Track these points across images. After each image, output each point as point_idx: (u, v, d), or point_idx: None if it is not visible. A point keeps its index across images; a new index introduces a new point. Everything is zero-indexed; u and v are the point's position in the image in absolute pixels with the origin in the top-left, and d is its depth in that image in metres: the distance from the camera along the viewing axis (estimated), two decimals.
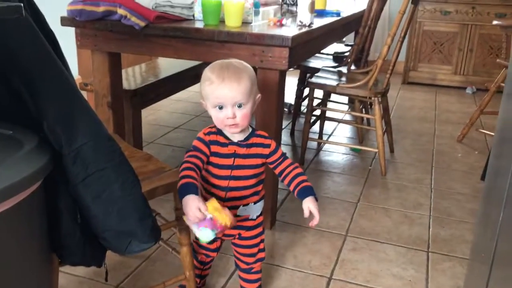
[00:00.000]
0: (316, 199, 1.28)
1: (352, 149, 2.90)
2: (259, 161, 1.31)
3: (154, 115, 3.35)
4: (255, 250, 1.42)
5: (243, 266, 1.44)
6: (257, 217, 1.39)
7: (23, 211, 0.79)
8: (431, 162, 2.76)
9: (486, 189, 1.37)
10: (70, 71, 0.95)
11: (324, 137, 3.07)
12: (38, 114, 0.87)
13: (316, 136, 3.00)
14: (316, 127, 2.99)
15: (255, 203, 1.35)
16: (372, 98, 2.53)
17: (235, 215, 1.31)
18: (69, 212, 0.95)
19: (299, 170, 1.32)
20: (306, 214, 1.27)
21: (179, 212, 1.38)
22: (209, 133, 1.28)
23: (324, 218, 2.08)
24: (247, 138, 1.29)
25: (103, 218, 0.98)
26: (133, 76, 2.68)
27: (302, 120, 3.05)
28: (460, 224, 2.09)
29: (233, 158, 1.28)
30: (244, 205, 1.33)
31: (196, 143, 1.27)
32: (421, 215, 2.16)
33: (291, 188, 1.31)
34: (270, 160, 1.32)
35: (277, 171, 1.33)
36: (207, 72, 1.22)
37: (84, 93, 2.59)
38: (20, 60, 0.84)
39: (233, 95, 1.19)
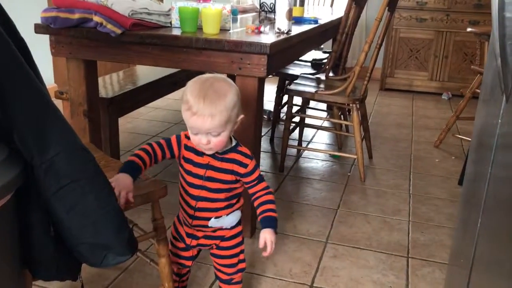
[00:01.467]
0: (276, 232, 1.26)
1: (331, 156, 2.90)
2: (231, 177, 1.27)
3: (132, 123, 3.31)
4: (234, 260, 1.39)
5: (223, 277, 1.42)
6: (233, 227, 1.36)
7: None
8: (409, 168, 2.79)
9: (464, 195, 1.38)
10: (42, 80, 0.92)
11: (304, 144, 3.08)
12: (8, 125, 0.84)
13: (296, 143, 3.00)
14: (295, 134, 2.99)
15: (227, 214, 1.32)
16: (350, 105, 2.55)
17: (207, 226, 1.31)
18: (41, 225, 0.92)
19: (270, 197, 1.29)
20: (261, 244, 1.24)
21: (157, 222, 1.35)
22: (189, 138, 1.26)
23: (304, 226, 2.08)
24: (225, 152, 1.26)
25: (77, 231, 0.95)
26: (110, 83, 2.65)
27: (281, 127, 3.04)
28: (439, 229, 2.11)
29: (205, 170, 1.26)
30: (216, 217, 1.31)
31: (172, 137, 1.29)
32: (400, 220, 2.17)
33: (257, 212, 1.29)
34: (244, 180, 1.29)
35: (250, 191, 1.31)
36: (187, 92, 1.17)
37: (60, 102, 2.54)
38: None
39: (207, 128, 1.16)
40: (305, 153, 2.96)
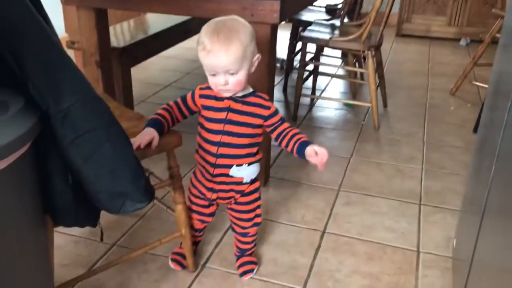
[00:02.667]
0: None
1: (345, 104, 2.88)
2: (255, 120, 1.27)
3: (144, 73, 3.30)
4: (251, 215, 1.42)
5: (238, 230, 1.45)
6: (252, 182, 1.37)
7: (14, 174, 0.79)
8: (424, 116, 2.76)
9: (478, 141, 1.37)
10: (54, 30, 0.91)
11: (317, 93, 3.05)
12: (23, 75, 0.84)
13: (309, 92, 2.98)
14: (309, 83, 2.96)
15: (249, 164, 1.32)
16: (365, 52, 2.50)
17: (227, 175, 1.31)
18: (60, 173, 0.94)
19: (296, 130, 1.30)
20: (313, 158, 1.23)
21: (173, 171, 1.37)
22: (206, 88, 1.28)
23: (317, 174, 2.10)
24: (244, 96, 1.27)
25: (95, 180, 0.98)
26: (121, 33, 2.62)
27: (294, 75, 3.01)
28: (452, 177, 2.11)
29: (226, 112, 1.26)
30: (237, 165, 1.31)
31: (187, 94, 1.32)
32: (414, 168, 2.18)
33: (289, 148, 1.29)
34: (268, 123, 1.29)
35: (274, 135, 1.31)
36: (201, 34, 1.18)
37: (72, 52, 2.53)
38: (0, 21, 0.80)
39: (223, 65, 1.16)
40: (319, 102, 2.94)
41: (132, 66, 2.43)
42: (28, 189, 0.85)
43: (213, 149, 1.29)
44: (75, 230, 1.62)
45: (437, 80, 3.37)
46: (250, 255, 1.52)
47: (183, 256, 1.50)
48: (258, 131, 1.31)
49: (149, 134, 1.22)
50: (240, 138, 1.28)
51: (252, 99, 1.27)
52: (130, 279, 1.46)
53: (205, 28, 1.18)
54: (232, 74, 1.18)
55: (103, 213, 1.11)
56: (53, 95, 0.87)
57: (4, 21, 0.81)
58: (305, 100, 2.92)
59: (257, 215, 1.43)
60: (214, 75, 1.19)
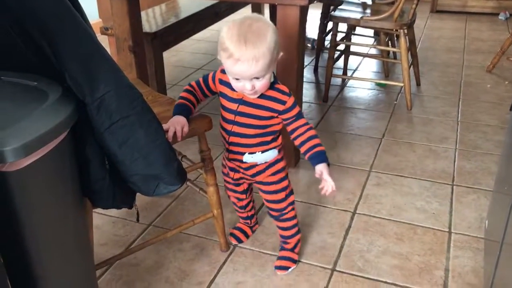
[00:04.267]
0: (328, 164, 1.25)
1: (377, 84, 2.85)
2: (266, 113, 1.25)
3: (176, 57, 3.35)
4: (281, 195, 1.40)
5: (274, 213, 1.43)
6: (273, 164, 1.35)
7: (54, 159, 0.83)
8: (459, 94, 2.70)
9: (511, 120, 1.35)
10: (87, 20, 0.95)
11: (349, 73, 3.02)
12: (60, 66, 0.88)
13: (340, 72, 2.95)
14: (340, 63, 2.94)
15: (263, 152, 1.31)
16: (398, 30, 2.45)
17: (242, 161, 1.33)
18: (97, 159, 0.99)
19: (312, 132, 1.27)
20: (320, 178, 1.25)
21: (204, 154, 1.41)
22: (225, 72, 1.25)
23: (348, 155, 2.10)
24: None
25: (130, 164, 1.02)
26: (153, 17, 2.66)
27: (325, 55, 2.99)
28: (486, 156, 2.07)
29: (237, 104, 1.25)
30: (250, 153, 1.31)
31: (209, 74, 1.32)
32: (447, 148, 2.15)
33: (302, 150, 1.27)
34: (282, 117, 1.26)
35: (289, 128, 1.28)
36: (225, 40, 1.12)
37: (105, 38, 2.59)
38: (37, 12, 0.84)
39: (251, 74, 1.13)
40: (350, 82, 2.91)
41: (164, 50, 2.47)
42: (68, 174, 0.90)
43: (226, 136, 1.31)
44: (113, 212, 1.69)
45: (473, 57, 3.27)
46: (292, 249, 1.48)
47: (241, 230, 1.58)
48: (271, 121, 1.28)
49: (179, 123, 1.24)
50: (251, 129, 1.27)
51: (268, 92, 1.24)
52: (165, 258, 1.52)
53: (228, 32, 1.12)
54: (258, 78, 1.15)
55: (138, 195, 1.16)
56: (88, 84, 0.91)
57: (41, 13, 0.85)
58: (336, 81, 2.90)
59: (288, 195, 1.41)
60: (238, 79, 1.17)
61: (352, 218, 1.70)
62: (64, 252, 0.91)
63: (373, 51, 3.28)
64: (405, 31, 2.43)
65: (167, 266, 1.49)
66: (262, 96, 1.23)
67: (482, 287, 1.38)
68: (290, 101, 1.25)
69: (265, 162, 1.34)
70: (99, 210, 1.47)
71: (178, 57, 3.35)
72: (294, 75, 1.81)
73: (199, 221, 1.50)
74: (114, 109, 0.96)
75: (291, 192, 1.43)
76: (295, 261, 1.47)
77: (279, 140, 1.34)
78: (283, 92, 1.25)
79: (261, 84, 1.17)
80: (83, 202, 1.02)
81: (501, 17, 4.16)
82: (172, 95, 2.59)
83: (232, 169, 1.39)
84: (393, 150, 2.14)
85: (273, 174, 1.37)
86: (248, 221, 1.58)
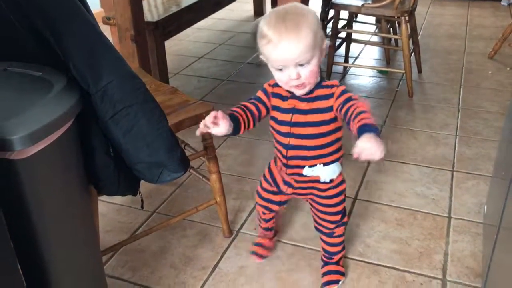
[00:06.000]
0: (377, 134, 0.98)
1: (379, 71, 2.86)
2: (324, 116, 1.13)
3: (177, 46, 3.35)
4: (338, 208, 1.29)
5: (324, 230, 1.33)
6: (337, 184, 1.25)
7: (60, 148, 0.86)
8: (460, 81, 2.71)
9: (510, 106, 1.36)
10: (90, 11, 0.96)
11: (350, 60, 3.03)
12: (64, 56, 0.90)
13: (342, 60, 2.96)
14: (342, 50, 2.94)
15: (325, 164, 1.19)
16: (399, 17, 2.45)
17: (301, 175, 1.21)
18: (101, 147, 1.01)
19: (361, 107, 1.06)
20: (356, 151, 0.97)
21: (207, 142, 1.43)
22: (274, 85, 1.18)
23: (349, 142, 2.11)
24: (311, 91, 1.13)
25: (133, 152, 1.04)
26: (155, 6, 2.66)
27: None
28: (486, 143, 2.09)
29: (291, 114, 1.15)
30: (310, 166, 1.19)
31: (258, 93, 1.20)
32: (448, 135, 2.17)
33: (354, 131, 1.05)
34: (335, 108, 1.12)
35: (342, 115, 1.10)
36: (263, 28, 1.05)
37: (108, 27, 2.60)
38: (42, 4, 0.86)
39: (295, 56, 1.03)
40: (352, 70, 2.92)
41: (166, 39, 2.48)
42: (73, 162, 0.92)
43: (283, 151, 1.20)
44: (117, 199, 1.72)
45: (475, 43, 3.27)
46: (337, 262, 1.40)
47: (264, 247, 1.48)
48: (333, 126, 1.15)
49: (214, 115, 1.07)
50: (310, 140, 1.16)
51: (318, 92, 1.13)
52: (170, 244, 1.55)
53: (265, 20, 1.05)
54: (303, 65, 1.05)
55: (142, 183, 1.18)
56: (92, 74, 0.93)
57: (46, 5, 0.87)
58: (338, 68, 2.91)
59: (343, 216, 1.31)
60: (281, 70, 1.07)
61: (353, 204, 1.73)
62: (71, 237, 0.94)
63: (374, 38, 3.27)
64: (407, 18, 2.43)
65: (171, 251, 1.52)
66: (313, 99, 1.13)
67: (480, 271, 1.40)
68: (338, 90, 1.12)
69: (330, 181, 1.23)
70: (104, 198, 1.50)
71: (180, 46, 3.36)
72: None
73: (202, 208, 1.53)
74: (117, 99, 0.98)
75: (346, 212, 1.33)
76: (343, 274, 1.39)
77: (341, 151, 1.22)
78: (330, 86, 1.13)
79: (307, 72, 1.06)
80: (89, 189, 1.04)
81: (504, 3, 4.14)
82: (174, 84, 2.61)
83: (286, 183, 1.28)
84: (394, 137, 2.16)
85: (333, 196, 1.27)
86: (269, 232, 1.48)
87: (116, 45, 2.14)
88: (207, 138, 1.43)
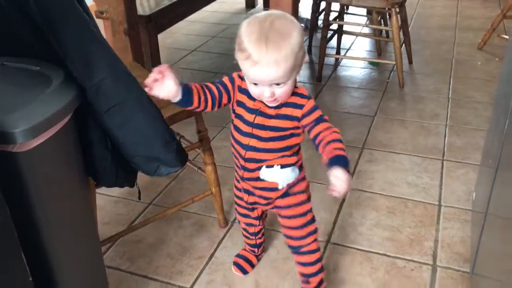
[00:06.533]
0: (348, 172, 0.99)
1: (370, 63, 2.89)
2: (286, 123, 1.09)
3: (170, 39, 3.36)
4: (301, 220, 1.22)
5: (293, 243, 1.25)
6: (294, 185, 1.19)
7: (59, 141, 0.88)
8: (450, 72, 2.75)
9: (497, 96, 1.40)
10: (87, 8, 0.98)
11: (342, 52, 3.06)
12: (61, 52, 0.92)
13: (334, 52, 2.99)
14: (333, 42, 2.97)
15: (282, 167, 1.14)
16: (390, 9, 2.48)
17: (258, 178, 1.16)
18: (99, 140, 1.04)
19: (335, 135, 1.07)
20: (332, 185, 0.98)
21: (202, 134, 1.46)
22: (243, 79, 1.11)
23: (341, 133, 2.12)
24: None
25: (129, 146, 1.07)
26: (147, 0, 2.67)
27: (319, 35, 3.02)
28: (476, 132, 2.13)
29: (254, 115, 1.10)
30: (267, 166, 1.14)
31: (224, 78, 1.14)
32: (438, 125, 2.21)
33: (323, 156, 1.05)
34: (302, 123, 1.09)
35: (311, 135, 1.09)
36: (243, 38, 0.98)
37: (101, 21, 2.60)
38: (40, 1, 0.88)
39: (271, 79, 0.99)
40: (343, 62, 2.95)
41: (159, 32, 2.49)
42: (72, 154, 0.95)
43: (242, 152, 1.15)
44: (114, 191, 1.74)
45: (465, 34, 3.31)
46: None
47: (246, 260, 1.44)
48: (292, 132, 1.11)
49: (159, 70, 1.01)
50: (270, 142, 1.12)
51: (288, 99, 1.08)
52: (166, 235, 1.58)
53: (247, 29, 0.98)
54: (279, 84, 1.01)
55: (140, 175, 1.21)
56: (87, 70, 0.96)
57: (44, 1, 0.89)
58: (330, 60, 2.94)
59: (309, 222, 1.23)
60: (256, 84, 1.03)
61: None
62: (71, 227, 0.97)
63: (366, 30, 3.30)
64: (397, 9, 2.46)
65: (168, 242, 1.55)
66: (281, 105, 1.08)
67: (469, 256, 1.45)
68: (308, 104, 1.08)
69: (288, 184, 1.18)
70: (101, 190, 1.52)
71: (173, 39, 3.37)
72: None
73: (198, 199, 1.55)
74: (111, 94, 1.00)
75: (313, 220, 1.25)
76: None
77: (300, 154, 1.19)
78: (301, 96, 1.09)
79: (282, 91, 1.02)
80: (87, 181, 1.07)
81: None
82: None
83: (246, 191, 1.23)
84: (385, 127, 2.20)
85: (293, 194, 1.20)
86: (255, 249, 1.43)
87: (109, 39, 2.15)
88: (202, 130, 1.45)
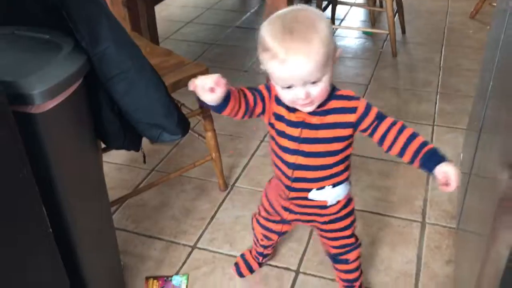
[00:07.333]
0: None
1: (364, 33, 2.93)
2: (338, 132, 0.98)
3: (166, 11, 3.38)
4: (347, 232, 1.14)
5: (338, 257, 1.19)
6: (345, 204, 1.10)
7: (72, 103, 0.94)
8: (442, 41, 2.80)
9: (483, 62, 1.46)
10: None
11: (336, 22, 3.09)
12: (71, 23, 0.97)
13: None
14: (328, 12, 3.00)
15: (334, 185, 1.04)
16: None
17: (306, 198, 1.06)
18: (107, 104, 1.09)
19: (409, 131, 0.98)
20: (442, 180, 0.92)
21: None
22: None
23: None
24: (322, 104, 0.96)
25: (132, 113, 1.13)
26: None
27: (314, 6, 3.04)
28: (466, 98, 2.20)
29: (300, 129, 0.98)
30: (318, 189, 1.04)
31: (260, 87, 1.01)
32: (429, 92, 2.27)
33: (406, 159, 0.96)
34: (361, 127, 0.98)
35: (376, 138, 0.99)
36: (265, 38, 0.88)
37: None
38: None
39: (303, 75, 0.88)
40: (338, 32, 2.99)
41: (156, 3, 2.52)
42: (84, 117, 1.01)
43: (288, 172, 1.03)
44: (118, 159, 1.81)
45: (457, 4, 3.34)
46: None
47: (247, 264, 1.37)
48: (346, 143, 1.01)
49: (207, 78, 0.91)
50: (321, 158, 1.00)
51: (332, 104, 0.97)
52: (169, 198, 1.66)
53: (269, 27, 0.89)
54: (314, 83, 0.90)
55: (143, 142, 1.28)
56: (91, 39, 1.01)
57: None
58: None
59: (355, 239, 1.17)
60: (289, 87, 0.91)
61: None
62: (84, 184, 1.04)
63: (360, 0, 3.33)
64: None
65: (171, 205, 1.63)
66: (327, 112, 0.97)
67: (456, 213, 1.53)
68: (361, 104, 0.97)
69: (337, 203, 1.08)
70: (105, 158, 1.59)
71: (168, 11, 3.38)
72: None
73: (199, 164, 1.63)
74: (114, 63, 1.05)
75: (356, 236, 1.18)
76: None
77: (350, 169, 1.08)
78: (348, 98, 0.98)
79: (318, 91, 0.91)
80: (98, 143, 1.14)
81: None
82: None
83: (287, 209, 1.12)
84: (379, 95, 2.26)
85: (343, 218, 1.11)
86: (261, 257, 1.36)
87: None
88: None
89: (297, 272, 1.38)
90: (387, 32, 2.64)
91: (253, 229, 1.30)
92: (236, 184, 1.72)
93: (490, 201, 0.90)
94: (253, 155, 1.86)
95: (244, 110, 0.99)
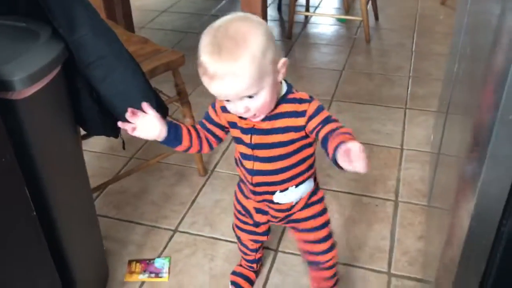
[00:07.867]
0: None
1: (338, 20, 2.98)
2: (293, 135, 0.95)
3: (140, 1, 3.36)
4: (324, 232, 1.11)
5: (314, 258, 1.15)
6: (311, 196, 1.08)
7: (52, 90, 0.96)
8: (414, 27, 2.87)
9: (451, 45, 1.52)
10: None
11: (311, 10, 3.13)
12: (48, 11, 0.98)
13: (303, 9, 3.06)
14: (302, 0, 3.03)
15: (297, 185, 1.02)
16: None
17: (272, 202, 1.05)
18: (85, 90, 1.11)
19: (346, 129, 0.90)
20: (343, 158, 0.81)
21: (179, 87, 1.55)
22: None
23: (311, 87, 2.26)
24: (273, 108, 0.94)
25: (110, 99, 1.15)
26: None
27: None
28: (437, 82, 2.26)
29: (250, 135, 0.97)
30: (281, 191, 1.02)
31: (208, 109, 1.03)
32: (401, 76, 2.34)
33: (331, 151, 0.85)
34: (308, 128, 0.94)
35: (320, 137, 0.91)
36: (199, 52, 0.87)
37: None
38: None
39: (235, 93, 0.86)
40: (313, 19, 3.03)
41: None
42: (64, 103, 1.03)
43: (248, 177, 1.03)
44: (97, 147, 1.83)
45: None
46: None
47: (245, 278, 1.33)
48: (302, 143, 0.97)
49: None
50: (278, 162, 0.98)
51: (283, 108, 0.94)
52: (149, 184, 1.68)
53: (203, 41, 0.88)
54: (251, 97, 0.87)
55: (123, 131, 1.29)
56: (68, 26, 1.02)
57: None
58: (300, 17, 3.01)
59: (330, 234, 1.13)
60: (228, 100, 0.90)
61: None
62: (66, 169, 1.06)
63: None
64: None
65: (151, 191, 1.66)
66: (277, 116, 0.94)
67: (427, 192, 1.60)
68: (311, 106, 0.93)
69: (301, 198, 1.07)
70: (84, 146, 1.60)
71: (142, 1, 3.37)
72: (259, 14, 1.92)
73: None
74: (91, 50, 1.07)
75: (332, 234, 1.14)
76: None
77: (314, 167, 1.07)
78: (300, 101, 0.94)
79: (258, 105, 0.89)
80: (78, 129, 1.16)
81: None
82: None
83: (259, 210, 1.11)
84: (353, 80, 2.32)
85: (312, 204, 1.09)
86: (254, 265, 1.33)
87: None
88: (179, 83, 1.54)
89: (276, 251, 1.43)
90: (361, 19, 2.69)
91: (238, 238, 1.25)
92: (215, 169, 1.75)
93: (454, 177, 0.95)
94: (232, 140, 1.89)
95: (205, 139, 1.05)
